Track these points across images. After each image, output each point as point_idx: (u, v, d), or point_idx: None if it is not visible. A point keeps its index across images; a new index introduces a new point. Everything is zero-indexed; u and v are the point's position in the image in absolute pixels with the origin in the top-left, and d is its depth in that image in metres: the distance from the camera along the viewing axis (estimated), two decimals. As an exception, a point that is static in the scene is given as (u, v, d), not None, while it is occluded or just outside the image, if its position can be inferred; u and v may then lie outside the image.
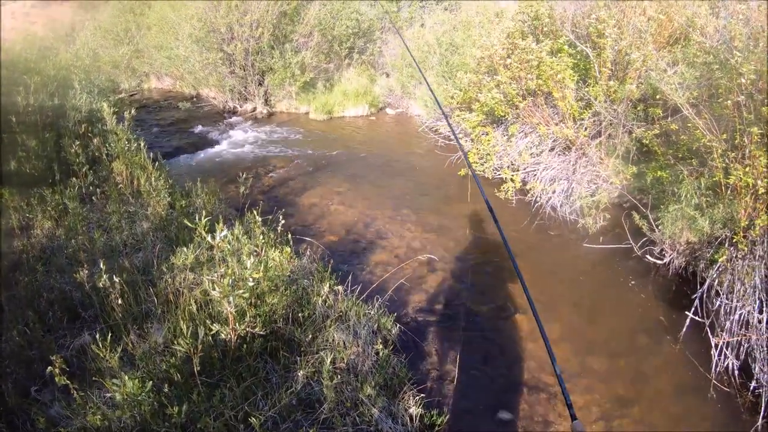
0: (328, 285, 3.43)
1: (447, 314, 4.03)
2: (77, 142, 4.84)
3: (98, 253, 3.60)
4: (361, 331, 3.24)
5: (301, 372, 2.67)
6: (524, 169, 6.41)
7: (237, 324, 2.57)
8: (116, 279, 2.74)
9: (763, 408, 3.11)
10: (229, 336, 2.59)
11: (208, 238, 2.47)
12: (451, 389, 3.28)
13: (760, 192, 3.63)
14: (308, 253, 4.16)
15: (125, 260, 3.44)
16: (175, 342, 2.49)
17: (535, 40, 6.21)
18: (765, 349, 3.35)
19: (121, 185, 4.68)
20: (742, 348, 3.47)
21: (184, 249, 3.44)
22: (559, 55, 5.78)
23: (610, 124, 5.74)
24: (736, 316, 3.54)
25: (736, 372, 3.42)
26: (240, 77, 9.25)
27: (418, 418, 2.80)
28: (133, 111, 5.45)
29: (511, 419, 3.12)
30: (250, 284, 2.53)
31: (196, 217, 3.39)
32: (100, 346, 2.31)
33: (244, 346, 2.69)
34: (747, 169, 3.72)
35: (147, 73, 10.85)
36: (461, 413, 3.11)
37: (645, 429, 3.10)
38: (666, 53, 5.48)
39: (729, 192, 4.00)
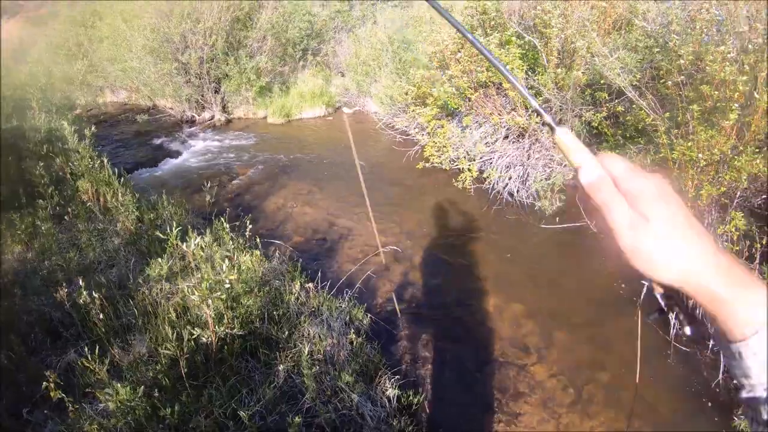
0: (299, 283, 3.60)
1: (414, 301, 4.23)
2: (41, 164, 4.86)
3: (73, 272, 3.68)
4: (334, 323, 3.42)
5: (282, 366, 2.85)
6: (480, 158, 6.64)
7: (216, 326, 2.72)
8: (96, 294, 2.86)
9: (722, 363, 3.38)
10: (210, 338, 2.75)
11: (183, 246, 2.61)
12: (425, 370, 3.47)
13: (702, 165, 3.90)
14: (277, 254, 4.34)
15: (101, 276, 3.53)
16: (160, 348, 2.63)
17: (484, 33, 6.48)
18: None
19: (89, 203, 4.73)
20: (697, 310, 3.75)
21: (159, 260, 3.57)
22: (508, 46, 6.04)
23: (561, 110, 6.05)
24: None
25: (690, 333, 3.68)
26: (196, 86, 9.27)
27: (395, 400, 2.98)
28: (93, 128, 5.48)
29: (484, 392, 3.33)
30: (226, 286, 2.68)
31: (167, 229, 3.55)
32: (89, 358, 2.44)
33: (225, 347, 2.85)
34: (690, 144, 3.99)
35: (102, 87, 10.68)
36: (436, 391, 3.31)
37: (614, 391, 3.34)
38: (609, 39, 5.80)
39: (676, 166, 4.29)
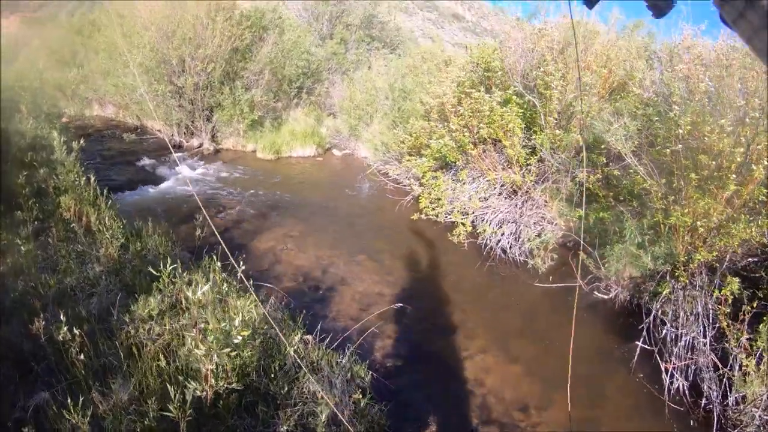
0: (299, 335, 3.37)
1: (412, 357, 4.06)
2: (24, 172, 4.55)
3: (50, 297, 3.35)
4: (335, 380, 3.19)
5: (284, 428, 2.59)
6: (473, 213, 6.59)
7: (215, 381, 2.46)
8: (77, 331, 2.58)
9: (715, 421, 3.41)
10: (205, 393, 2.48)
11: (189, 293, 2.37)
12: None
13: (700, 231, 4.01)
14: (271, 300, 4.09)
15: (81, 308, 3.22)
16: (149, 401, 2.36)
17: (485, 89, 6.53)
18: (711, 369, 3.67)
19: (71, 223, 4.41)
20: (690, 370, 3.79)
21: (148, 298, 3.30)
22: (509, 105, 6.10)
23: (557, 171, 6.07)
24: (682, 342, 3.89)
25: (687, 392, 3.72)
26: (188, 111, 9.07)
27: None
28: (81, 141, 5.21)
29: None
30: (237, 341, 2.44)
31: (153, 261, 3.30)
32: (66, 404, 2.15)
33: (221, 402, 2.58)
34: (686, 210, 4.11)
35: (90, 100, 10.33)
36: None
37: None
38: (606, 103, 5.90)
39: (668, 230, 4.39)
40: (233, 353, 2.35)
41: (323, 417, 2.56)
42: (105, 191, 4.78)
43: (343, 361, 3.42)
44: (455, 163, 6.84)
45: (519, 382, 3.90)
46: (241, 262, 3.58)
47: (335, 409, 2.91)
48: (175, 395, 2.23)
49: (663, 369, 3.83)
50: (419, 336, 4.35)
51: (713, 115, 4.10)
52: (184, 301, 3.31)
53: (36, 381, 2.79)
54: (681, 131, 4.08)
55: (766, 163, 3.63)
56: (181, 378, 2.60)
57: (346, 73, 11.40)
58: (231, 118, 9.15)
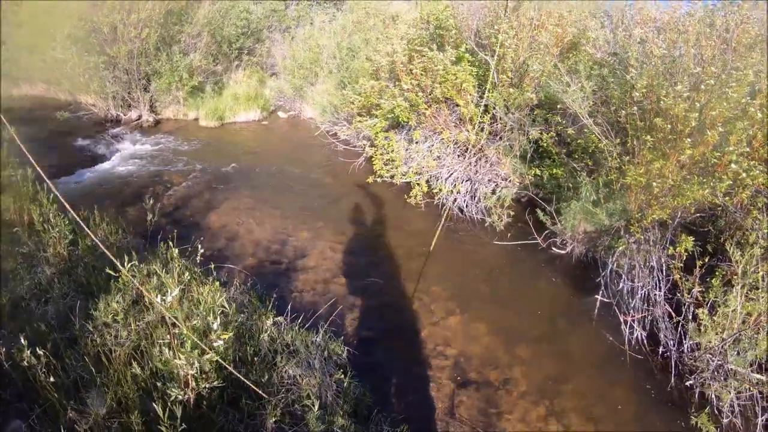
0: (271, 318, 3.33)
1: (380, 325, 4.13)
2: (-51, 175, 4.20)
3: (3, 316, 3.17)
4: (313, 361, 3.21)
5: (272, 420, 2.60)
6: (428, 172, 6.60)
7: (196, 383, 2.42)
8: (41, 352, 2.46)
9: (673, 367, 3.69)
10: (187, 396, 2.44)
11: (157, 301, 2.28)
12: (408, 400, 3.44)
13: (655, 191, 4.19)
14: (235, 282, 4.02)
15: (38, 321, 3.06)
16: (132, 416, 2.30)
17: (437, 47, 6.42)
18: (667, 319, 3.92)
19: (14, 225, 4.13)
20: (646, 321, 4.04)
21: (107, 299, 3.17)
22: (462, 63, 6.03)
23: (510, 129, 6.12)
24: (639, 295, 4.12)
25: (645, 341, 3.98)
26: (124, 82, 8.50)
27: None
28: (12, 129, 4.82)
29: (469, 416, 3.37)
30: (217, 344, 2.39)
31: (106, 255, 3.10)
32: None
33: (203, 402, 2.55)
34: (640, 170, 4.29)
35: (17, 78, 9.46)
36: (423, 422, 3.29)
37: (579, 399, 3.53)
38: (558, 62, 5.94)
39: (621, 188, 4.59)
40: (215, 358, 2.30)
41: (316, 408, 2.57)
42: (45, 185, 4.45)
43: (318, 339, 3.41)
44: (407, 122, 6.76)
45: (488, 341, 4.04)
46: (199, 245, 3.53)
47: (320, 392, 2.97)
48: (158, 404, 2.19)
49: (622, 320, 4.06)
50: (386, 304, 4.40)
51: (668, 79, 4.21)
52: (169, 313, 3.20)
53: (7, 409, 2.66)
54: (637, 94, 4.19)
55: (719, 128, 3.77)
56: (159, 384, 2.54)
57: (287, 30, 10.92)
58: (170, 86, 8.67)
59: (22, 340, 2.37)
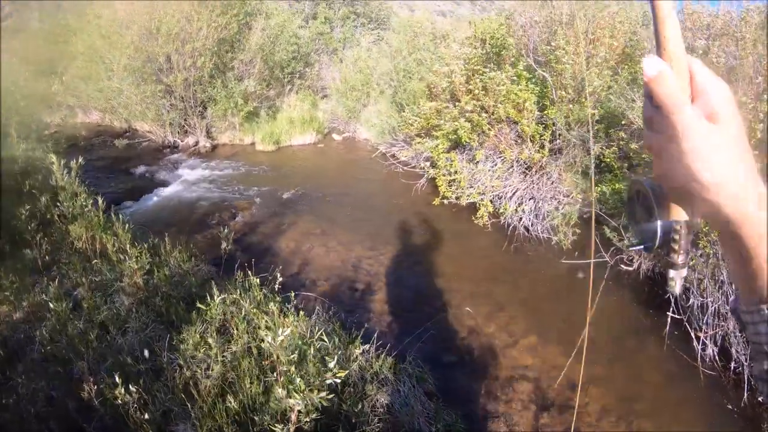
0: (359, 347, 3.19)
1: (466, 351, 4.02)
2: (26, 205, 4.23)
3: (79, 345, 3.09)
4: (403, 389, 3.08)
5: None
6: (493, 192, 6.43)
7: (302, 418, 2.25)
8: (133, 388, 2.35)
9: (745, 383, 3.60)
10: (286, 429, 2.28)
11: (268, 339, 2.14)
12: (494, 424, 3.36)
13: None
14: (317, 310, 3.90)
15: (127, 356, 2.97)
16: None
17: (494, 65, 6.30)
18: (739, 334, 3.79)
19: (86, 253, 4.13)
20: (718, 336, 3.91)
21: (190, 330, 3.07)
22: (521, 81, 5.89)
23: (573, 145, 5.91)
24: (711, 310, 3.97)
25: (717, 357, 3.86)
26: (180, 109, 8.65)
27: None
28: (80, 159, 4.89)
29: None
30: (329, 382, 2.24)
31: (184, 284, 3.03)
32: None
33: None
34: None
35: (73, 107, 9.76)
36: None
37: (654, 418, 3.46)
38: (616, 75, 5.74)
39: None
40: (329, 396, 2.15)
41: None
42: (121, 215, 4.46)
43: (407, 367, 3.32)
44: (469, 143, 6.62)
45: (563, 363, 3.87)
46: (278, 273, 3.46)
47: (411, 420, 2.82)
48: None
49: (693, 337, 3.92)
50: (465, 327, 4.29)
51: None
52: (233, 328, 3.10)
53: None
54: None
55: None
56: (256, 418, 2.41)
57: (335, 53, 11.00)
58: (225, 112, 8.77)
59: (117, 378, 2.27)
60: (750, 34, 4.32)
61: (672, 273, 0.65)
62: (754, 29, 4.39)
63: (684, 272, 0.64)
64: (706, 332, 3.91)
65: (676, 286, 0.65)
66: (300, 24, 11.41)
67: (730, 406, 3.53)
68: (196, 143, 8.92)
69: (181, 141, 8.96)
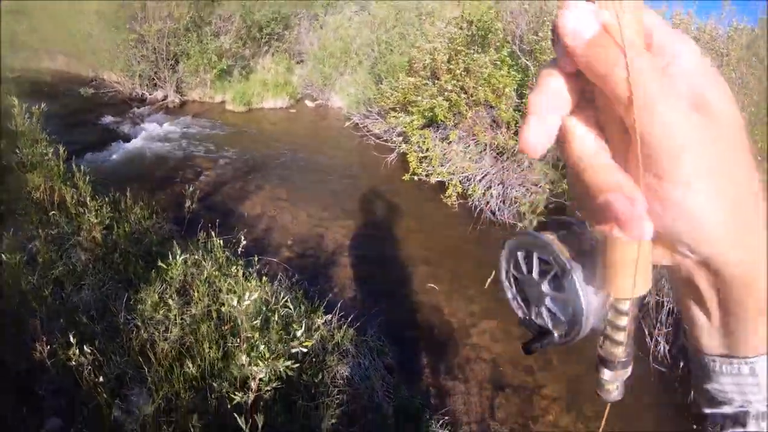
0: (321, 317, 3.18)
1: (426, 328, 4.10)
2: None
3: (35, 301, 2.96)
4: (362, 360, 3.13)
5: (330, 421, 2.46)
6: (463, 173, 6.46)
7: (262, 386, 2.24)
8: (87, 349, 2.28)
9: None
10: (246, 399, 2.27)
11: (233, 303, 2.10)
12: (452, 400, 3.46)
13: None
14: (279, 276, 3.86)
15: (81, 314, 2.88)
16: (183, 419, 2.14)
17: (479, 48, 6.27)
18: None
19: (47, 206, 3.95)
20: (670, 334, 4.08)
21: (149, 290, 3.01)
22: (505, 67, 5.89)
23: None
24: (665, 310, 4.11)
25: (668, 354, 4.03)
26: (151, 61, 8.30)
27: None
28: (43, 105, 4.68)
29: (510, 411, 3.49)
30: (295, 350, 2.22)
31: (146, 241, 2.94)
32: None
33: (261, 404, 2.38)
34: None
35: (38, 50, 9.19)
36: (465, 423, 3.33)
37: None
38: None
39: None
40: (294, 365, 2.14)
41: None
42: (82, 167, 4.26)
43: (368, 340, 3.38)
44: (444, 122, 6.61)
45: (517, 345, 3.99)
46: (241, 236, 3.41)
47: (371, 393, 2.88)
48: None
49: (647, 333, 4.08)
50: (426, 304, 4.36)
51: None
52: (194, 290, 3.05)
53: (41, 406, 2.49)
54: None
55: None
56: (215, 384, 2.39)
57: (316, 18, 10.72)
58: (198, 68, 8.47)
59: (71, 338, 2.20)
60: (735, 53, 4.40)
61: (607, 375, 0.41)
62: (740, 49, 4.48)
63: (628, 372, 0.41)
64: (660, 330, 4.04)
65: (612, 393, 0.41)
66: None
67: (678, 403, 3.65)
68: (165, 98, 8.59)
69: (150, 94, 8.61)
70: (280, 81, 9.18)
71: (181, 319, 2.92)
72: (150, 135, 7.11)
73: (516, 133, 6.19)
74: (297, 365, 2.17)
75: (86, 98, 8.28)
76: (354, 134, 7.90)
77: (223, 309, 2.77)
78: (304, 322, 2.98)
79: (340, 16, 10.48)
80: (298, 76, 9.83)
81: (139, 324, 2.78)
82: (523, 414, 3.47)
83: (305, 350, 2.28)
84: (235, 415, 1.97)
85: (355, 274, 4.55)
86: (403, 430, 2.83)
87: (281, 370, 2.08)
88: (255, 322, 2.46)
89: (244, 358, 2.01)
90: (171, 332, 2.72)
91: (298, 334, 2.18)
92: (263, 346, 2.11)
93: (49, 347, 2.36)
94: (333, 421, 2.61)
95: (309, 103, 9.69)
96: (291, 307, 2.79)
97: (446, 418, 3.15)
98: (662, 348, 4.01)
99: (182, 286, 3.22)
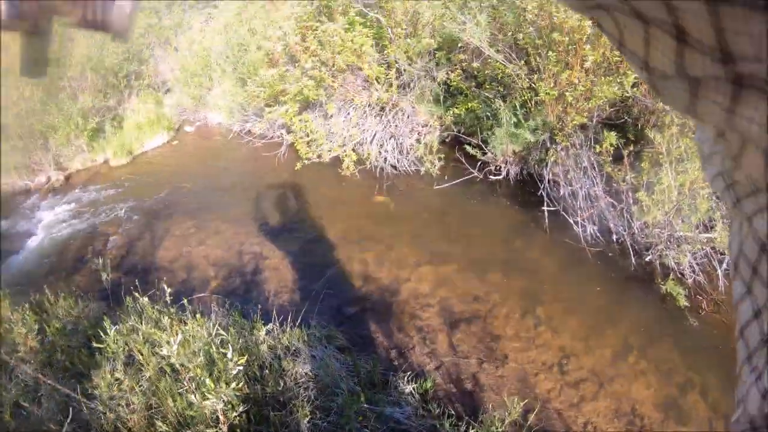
0: (263, 329, 3.43)
1: (365, 299, 4.33)
2: None
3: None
4: (316, 353, 3.39)
5: (307, 421, 2.75)
6: (353, 141, 6.69)
7: (227, 415, 2.51)
8: None
9: (630, 249, 4.25)
10: (218, 430, 2.54)
11: (164, 351, 2.35)
12: (414, 354, 3.71)
13: (569, 100, 4.59)
14: (212, 308, 4.05)
15: (48, 423, 3.03)
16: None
17: (327, 18, 6.41)
18: (611, 209, 4.42)
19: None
20: (594, 216, 4.50)
21: (99, 373, 3.18)
22: (357, 27, 6.07)
23: (419, 78, 6.29)
24: (581, 195, 4.55)
25: (598, 234, 4.48)
26: (20, 148, 7.98)
27: (416, 393, 3.19)
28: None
29: (467, 351, 3.72)
30: (236, 371, 2.49)
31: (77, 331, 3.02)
32: None
33: (237, 429, 2.66)
34: (551, 84, 4.70)
35: None
36: (433, 368, 3.58)
37: (560, 303, 3.98)
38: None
39: (537, 105, 4.96)
40: (240, 385, 2.42)
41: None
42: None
43: (314, 331, 3.61)
44: (317, 99, 6.79)
45: (461, 278, 4.36)
46: (165, 285, 3.55)
47: (334, 379, 3.16)
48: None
49: (572, 222, 4.46)
50: (359, 277, 4.59)
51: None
52: (138, 354, 3.23)
53: None
54: (530, 15, 4.48)
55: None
56: (190, 430, 2.64)
57: (168, 42, 10.48)
58: (68, 137, 8.21)
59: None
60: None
61: None
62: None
63: None
64: (582, 215, 4.48)
65: None
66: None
67: (622, 273, 4.16)
68: (48, 179, 8.32)
69: (32, 182, 8.32)
70: (153, 118, 9.00)
71: (139, 386, 3.13)
72: (47, 224, 6.95)
73: (390, 86, 6.45)
74: (253, 384, 2.43)
75: (-32, 211, 7.91)
76: (239, 142, 7.92)
77: (172, 360, 2.99)
78: (241, 340, 3.27)
79: (190, 32, 10.30)
80: (169, 107, 9.64)
81: (101, 408, 2.98)
82: (483, 341, 3.73)
83: (240, 367, 2.53)
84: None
85: (283, 275, 4.73)
86: (374, 399, 3.05)
87: (231, 393, 2.36)
88: (198, 361, 2.70)
89: (194, 398, 2.26)
90: (133, 403, 2.94)
91: (229, 355, 2.44)
92: (208, 379, 2.37)
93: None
94: (308, 418, 2.85)
95: (189, 129, 9.53)
96: (223, 333, 3.01)
97: (411, 372, 3.40)
98: (590, 230, 4.46)
99: (129, 356, 3.41)
